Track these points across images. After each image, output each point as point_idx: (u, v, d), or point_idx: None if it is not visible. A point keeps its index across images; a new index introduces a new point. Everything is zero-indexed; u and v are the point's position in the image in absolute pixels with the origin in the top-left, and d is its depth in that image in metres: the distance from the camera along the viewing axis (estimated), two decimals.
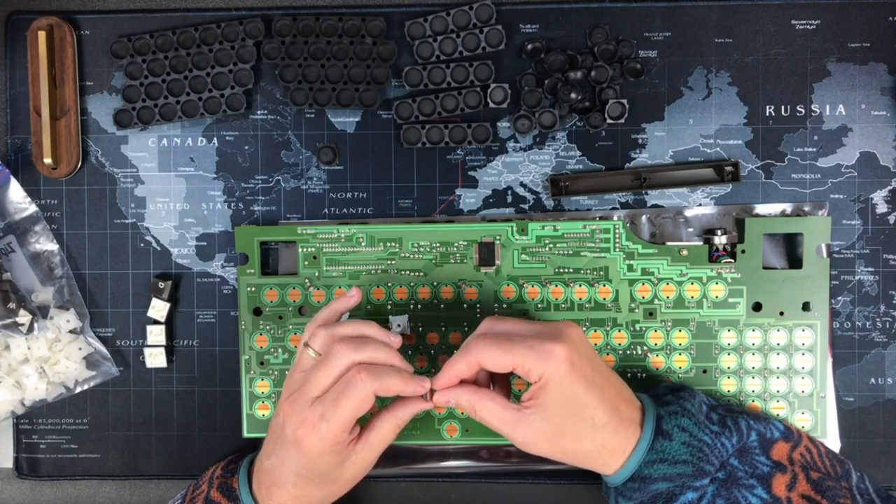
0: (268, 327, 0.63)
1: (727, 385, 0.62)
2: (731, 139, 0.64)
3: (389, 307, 0.62)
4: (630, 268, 0.62)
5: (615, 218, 0.63)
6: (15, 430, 0.66)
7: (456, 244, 0.62)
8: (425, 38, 0.63)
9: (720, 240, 0.61)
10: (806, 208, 0.63)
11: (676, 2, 0.64)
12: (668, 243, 0.62)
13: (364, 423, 0.54)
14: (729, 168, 0.63)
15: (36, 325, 0.63)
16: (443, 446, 0.64)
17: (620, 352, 0.62)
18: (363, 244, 0.62)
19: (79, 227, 0.66)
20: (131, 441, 0.66)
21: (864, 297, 0.64)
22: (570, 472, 0.64)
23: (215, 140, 0.65)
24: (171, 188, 0.65)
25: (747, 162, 0.64)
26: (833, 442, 0.63)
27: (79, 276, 0.66)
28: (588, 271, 0.62)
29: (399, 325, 0.61)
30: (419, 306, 0.62)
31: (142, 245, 0.66)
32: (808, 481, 0.53)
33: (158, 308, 0.65)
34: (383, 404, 0.54)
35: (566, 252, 0.62)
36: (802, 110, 0.64)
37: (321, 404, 0.51)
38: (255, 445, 0.64)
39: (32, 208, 0.65)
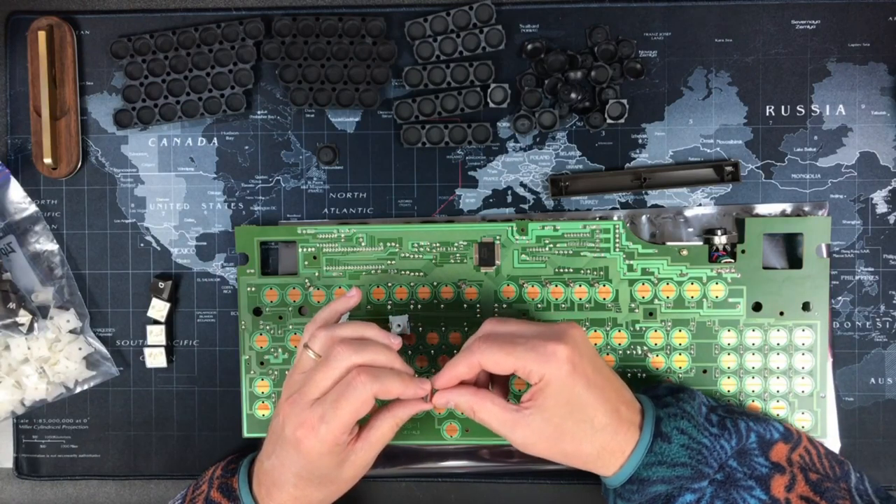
0: (268, 327, 0.63)
1: (727, 385, 0.62)
2: (731, 139, 0.64)
3: (389, 307, 0.62)
4: (630, 268, 0.62)
5: (615, 218, 0.63)
6: (15, 430, 0.66)
7: (456, 244, 0.62)
8: (425, 38, 0.63)
9: (720, 240, 0.61)
10: (806, 208, 0.63)
11: (676, 2, 0.64)
12: (668, 243, 0.62)
13: (363, 422, 0.54)
14: (729, 168, 0.63)
15: (36, 325, 0.63)
16: (443, 446, 0.64)
17: (620, 352, 0.62)
18: (363, 244, 0.62)
19: (79, 227, 0.66)
20: (131, 441, 0.66)
21: (864, 297, 0.64)
22: (571, 472, 0.63)
23: (215, 140, 0.65)
24: (171, 188, 0.65)
25: (747, 162, 0.64)
26: (833, 442, 0.63)
27: (79, 276, 0.66)
28: (588, 271, 0.62)
29: (399, 325, 0.61)
30: (419, 306, 0.62)
31: (142, 245, 0.66)
32: (806, 482, 0.53)
33: (158, 308, 0.65)
34: (383, 404, 0.54)
35: (566, 252, 0.62)
36: (802, 110, 0.64)
37: (321, 406, 0.51)
38: (255, 445, 0.64)
39: (32, 208, 0.65)
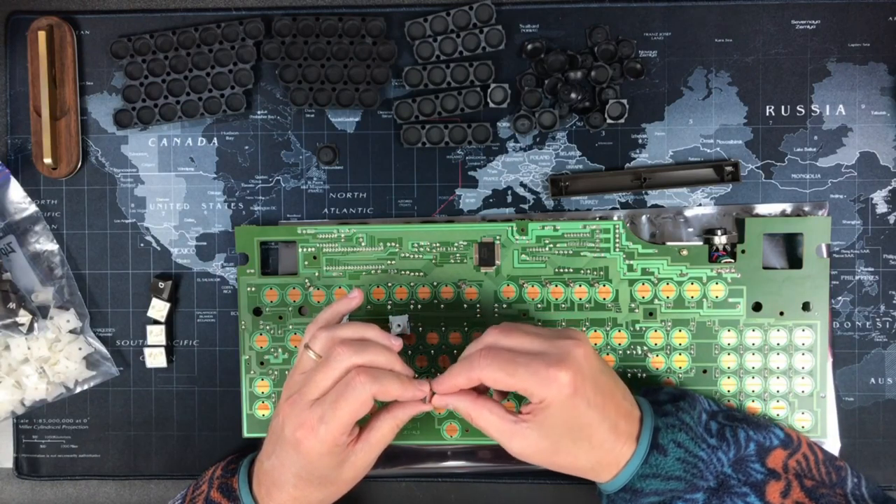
0: (268, 327, 0.63)
1: (727, 385, 0.62)
2: (731, 139, 0.64)
3: (389, 307, 0.62)
4: (630, 268, 0.62)
5: (615, 218, 0.63)
6: (15, 430, 0.66)
7: (456, 244, 0.62)
8: (425, 38, 0.63)
9: (720, 240, 0.61)
10: (806, 208, 0.63)
11: (676, 2, 0.64)
12: (668, 243, 0.62)
13: (363, 423, 0.54)
14: (729, 168, 0.63)
15: (36, 325, 0.63)
16: (443, 446, 0.64)
17: (620, 352, 0.62)
18: (363, 244, 0.62)
19: (79, 227, 0.66)
20: (131, 441, 0.66)
21: (864, 297, 0.64)
22: None
23: (215, 140, 0.65)
24: (171, 188, 0.65)
25: (747, 162, 0.64)
26: (833, 442, 0.63)
27: (79, 276, 0.66)
28: (588, 271, 0.62)
29: (399, 325, 0.61)
30: (419, 306, 0.62)
31: (142, 245, 0.66)
32: (801, 489, 0.53)
33: (158, 308, 0.65)
34: (383, 404, 0.54)
35: (566, 252, 0.62)
36: (802, 110, 0.64)
37: (320, 406, 0.51)
38: (255, 445, 0.64)
39: (32, 208, 0.65)
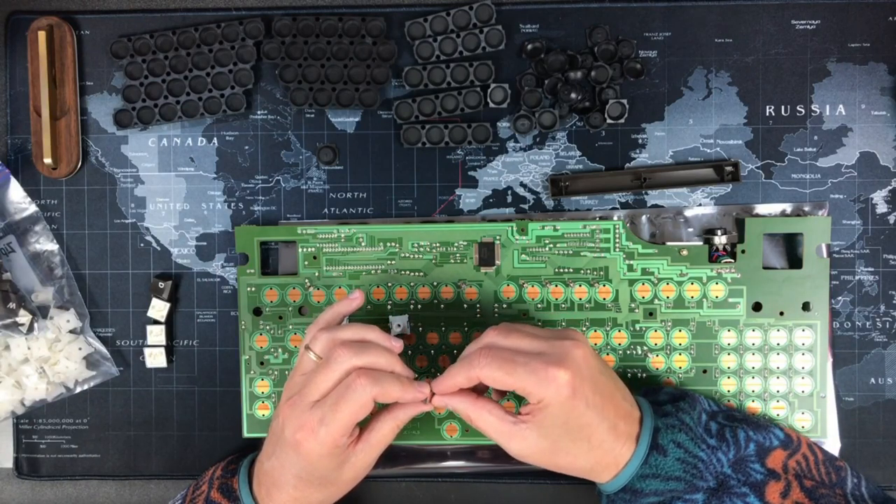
0: (268, 327, 0.63)
1: (727, 385, 0.62)
2: (731, 139, 0.64)
3: (389, 307, 0.62)
4: (630, 268, 0.62)
5: (615, 218, 0.63)
6: (15, 430, 0.66)
7: (456, 244, 0.62)
8: (425, 38, 0.63)
9: (720, 240, 0.61)
10: (806, 208, 0.63)
11: (676, 2, 0.64)
12: (668, 243, 0.62)
13: (363, 424, 0.54)
14: (729, 168, 0.63)
15: (36, 325, 0.63)
16: (443, 446, 0.64)
17: (620, 352, 0.62)
18: (363, 244, 0.62)
19: (79, 227, 0.66)
20: (131, 441, 0.66)
21: (864, 297, 0.64)
22: None
23: (215, 140, 0.65)
24: (171, 188, 0.65)
25: (747, 162, 0.64)
26: (833, 442, 0.63)
27: (79, 276, 0.66)
28: (588, 271, 0.62)
29: (399, 325, 0.61)
30: (419, 306, 0.62)
31: (142, 245, 0.66)
32: (801, 489, 0.53)
33: (158, 308, 0.65)
34: (383, 405, 0.54)
35: (566, 252, 0.62)
36: (802, 110, 0.64)
37: (320, 408, 0.51)
38: (255, 446, 0.64)
39: (32, 208, 0.65)
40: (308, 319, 0.63)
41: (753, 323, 0.61)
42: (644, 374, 0.62)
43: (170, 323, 0.65)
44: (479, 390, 0.55)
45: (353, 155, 0.65)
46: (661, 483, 0.52)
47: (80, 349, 0.64)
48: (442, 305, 0.62)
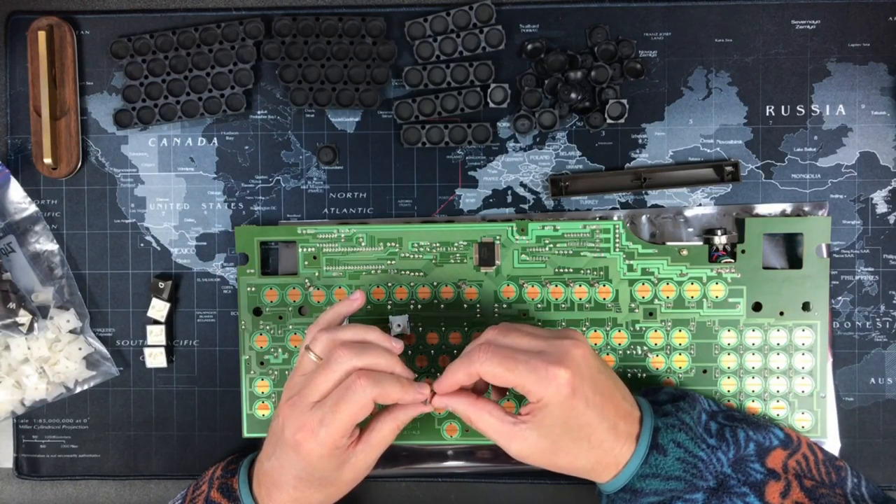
0: (268, 327, 0.63)
1: (727, 385, 0.62)
2: (731, 139, 0.64)
3: (389, 307, 0.62)
4: (630, 268, 0.62)
5: (615, 218, 0.63)
6: (15, 430, 0.66)
7: (456, 244, 0.62)
8: (425, 38, 0.63)
9: (720, 240, 0.61)
10: (806, 208, 0.63)
11: (676, 2, 0.64)
12: (668, 243, 0.62)
13: (363, 424, 0.54)
14: (729, 168, 0.63)
15: (36, 325, 0.63)
16: (443, 446, 0.64)
17: (620, 352, 0.62)
18: (363, 244, 0.62)
19: (79, 227, 0.66)
20: (131, 441, 0.66)
21: (864, 297, 0.64)
22: None
23: (215, 140, 0.65)
24: (171, 188, 0.65)
25: (747, 162, 0.64)
26: (833, 442, 0.63)
27: (79, 276, 0.66)
28: (588, 271, 0.62)
29: (399, 325, 0.61)
30: (419, 306, 0.62)
31: (142, 245, 0.66)
32: (801, 489, 0.53)
33: (158, 308, 0.65)
34: (383, 406, 0.54)
35: (566, 252, 0.62)
36: (802, 110, 0.64)
37: (320, 409, 0.51)
38: (255, 446, 0.64)
39: (32, 208, 0.65)
40: (308, 319, 0.63)
41: (753, 323, 0.62)
42: (644, 374, 0.62)
43: (170, 323, 0.65)
44: (479, 391, 0.55)
45: (353, 155, 0.65)
46: (661, 483, 0.52)
47: (80, 349, 0.64)
48: (442, 305, 0.62)
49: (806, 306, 0.61)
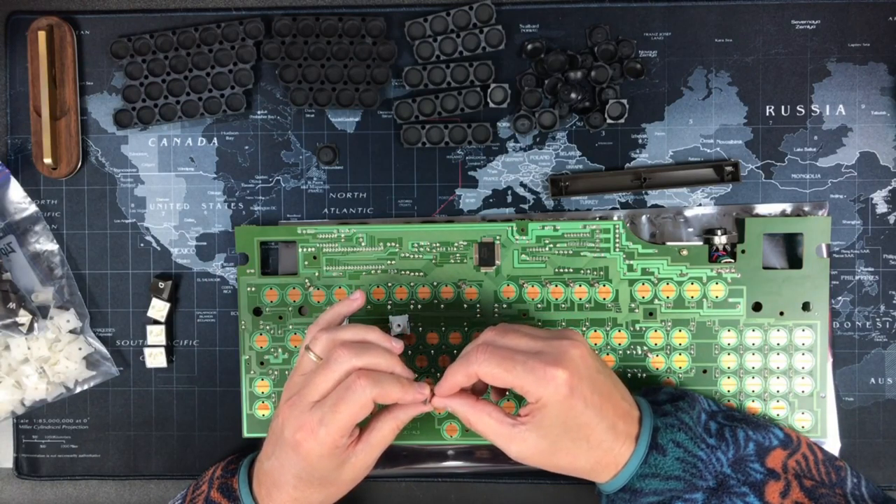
0: (268, 327, 0.63)
1: (727, 385, 0.62)
2: (731, 139, 0.64)
3: (389, 307, 0.62)
4: (630, 268, 0.62)
5: (615, 218, 0.63)
6: (15, 430, 0.66)
7: (456, 244, 0.62)
8: (425, 38, 0.63)
9: (720, 240, 0.61)
10: (806, 208, 0.63)
11: (676, 2, 0.64)
12: (668, 243, 0.62)
13: (363, 424, 0.54)
14: (729, 168, 0.63)
15: (36, 325, 0.63)
16: (443, 446, 0.64)
17: (620, 352, 0.62)
18: (363, 244, 0.62)
19: (79, 227, 0.66)
20: (131, 441, 0.66)
21: (864, 297, 0.64)
22: None
23: (215, 140, 0.65)
24: (171, 188, 0.65)
25: (747, 162, 0.64)
26: (833, 442, 0.63)
27: (79, 276, 0.66)
28: (588, 271, 0.62)
29: (399, 325, 0.61)
30: (419, 306, 0.62)
31: (142, 245, 0.66)
32: (801, 489, 0.53)
33: (158, 308, 0.65)
34: (383, 406, 0.54)
35: (566, 252, 0.62)
36: (802, 110, 0.64)
37: (320, 409, 0.51)
38: (255, 445, 0.64)
39: (32, 208, 0.65)
40: (308, 319, 0.63)
41: (753, 323, 0.62)
42: (644, 374, 0.62)
43: (170, 323, 0.65)
44: (478, 391, 0.55)
45: (353, 155, 0.65)
46: (661, 482, 0.52)
47: (80, 349, 0.64)
48: (442, 305, 0.62)
49: (806, 306, 0.61)
